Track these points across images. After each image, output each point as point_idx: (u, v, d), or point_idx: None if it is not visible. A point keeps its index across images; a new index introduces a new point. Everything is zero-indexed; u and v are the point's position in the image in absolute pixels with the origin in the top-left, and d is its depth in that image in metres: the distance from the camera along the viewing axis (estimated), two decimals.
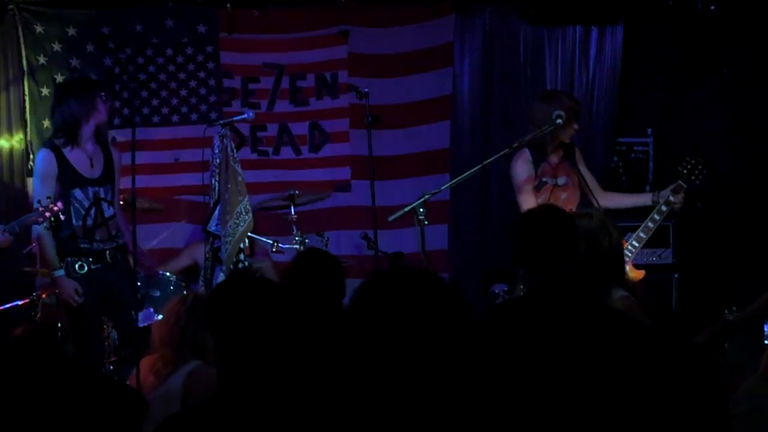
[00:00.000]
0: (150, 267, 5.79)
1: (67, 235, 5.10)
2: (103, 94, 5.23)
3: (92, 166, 5.21)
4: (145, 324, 5.14)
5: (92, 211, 5.15)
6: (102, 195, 5.22)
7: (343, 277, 3.85)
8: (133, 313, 5.12)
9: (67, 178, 5.13)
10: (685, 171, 4.99)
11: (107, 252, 5.18)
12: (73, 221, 5.11)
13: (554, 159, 5.09)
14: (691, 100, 7.11)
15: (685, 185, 4.99)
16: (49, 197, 4.96)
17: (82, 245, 5.13)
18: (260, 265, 6.06)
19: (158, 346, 3.89)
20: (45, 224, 4.96)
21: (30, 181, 6.80)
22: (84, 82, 5.31)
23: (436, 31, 7.18)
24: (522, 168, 5.04)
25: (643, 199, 5.31)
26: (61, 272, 5.12)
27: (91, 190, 5.18)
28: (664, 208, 4.96)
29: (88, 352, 5.05)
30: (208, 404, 2.51)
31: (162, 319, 4.01)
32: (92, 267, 5.11)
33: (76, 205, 5.15)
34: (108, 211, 5.22)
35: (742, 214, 6.82)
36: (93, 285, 5.12)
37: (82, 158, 5.18)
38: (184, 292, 4.08)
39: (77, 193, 5.15)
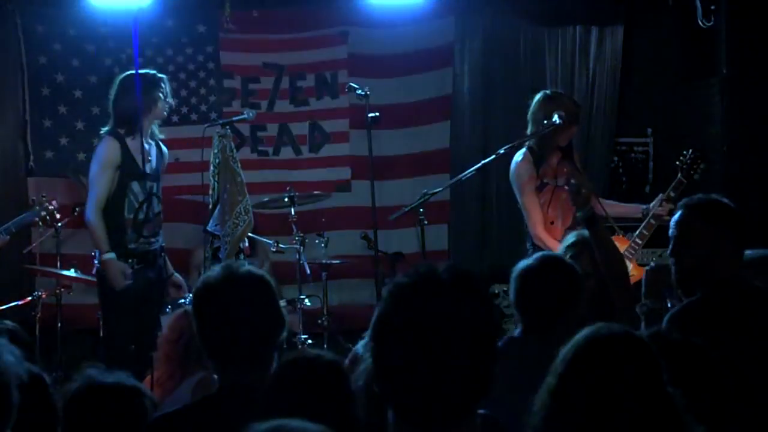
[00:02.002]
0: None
1: (115, 226, 5.06)
2: (164, 89, 5.17)
3: (149, 160, 5.18)
4: None
5: (144, 206, 5.12)
6: (155, 190, 5.20)
7: None
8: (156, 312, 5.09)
9: (127, 169, 5.09)
10: (684, 165, 4.98)
11: (150, 252, 5.14)
12: (125, 213, 5.08)
13: (554, 160, 5.09)
14: (691, 100, 7.10)
15: (685, 181, 4.98)
16: (44, 195, 4.93)
17: (130, 245, 5.09)
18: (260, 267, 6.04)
19: (163, 361, 3.90)
20: (38, 220, 4.92)
21: (31, 181, 6.82)
22: (149, 77, 5.26)
23: (436, 31, 7.18)
24: (523, 168, 5.03)
25: (633, 211, 5.30)
26: (111, 255, 5.04)
27: (147, 184, 5.15)
28: (652, 221, 4.96)
29: (114, 346, 4.98)
30: (199, 405, 2.50)
31: (165, 336, 4.01)
32: (135, 267, 5.05)
33: (131, 197, 5.11)
34: (157, 207, 5.21)
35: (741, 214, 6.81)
36: (135, 283, 5.04)
37: (139, 150, 5.14)
38: (185, 309, 4.05)
39: (135, 185, 5.11)
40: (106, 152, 5.08)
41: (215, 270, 2.58)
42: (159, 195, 5.25)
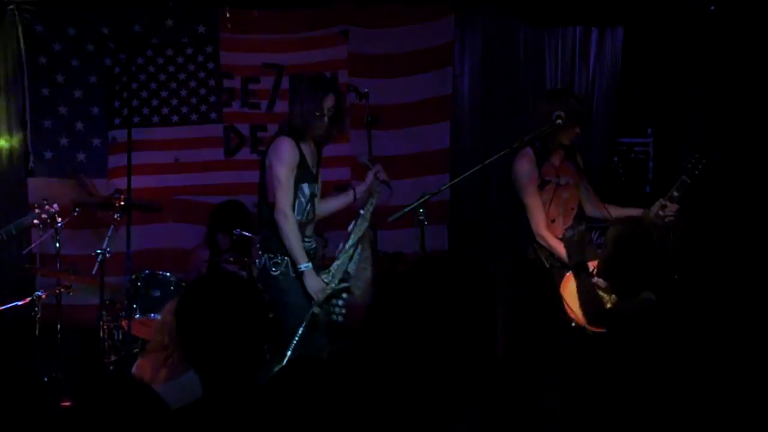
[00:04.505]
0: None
1: None
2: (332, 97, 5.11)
3: (312, 163, 5.18)
4: None
5: (309, 207, 5.12)
6: (316, 192, 5.19)
7: None
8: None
9: (300, 170, 5.06)
10: (689, 165, 4.99)
11: (309, 252, 5.13)
12: (296, 215, 5.07)
13: (556, 159, 5.09)
14: (691, 100, 7.10)
15: (689, 180, 4.98)
16: (45, 199, 4.90)
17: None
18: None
19: (172, 345, 3.91)
20: (38, 222, 4.90)
21: (30, 181, 6.82)
22: (315, 80, 5.27)
23: (436, 31, 7.18)
24: (525, 167, 5.03)
25: (634, 213, 5.27)
26: (309, 265, 4.97)
27: (314, 186, 5.15)
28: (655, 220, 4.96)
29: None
30: (188, 410, 2.48)
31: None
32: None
33: (302, 199, 5.07)
34: (315, 209, 5.20)
35: (742, 214, 6.82)
36: (302, 285, 5.03)
37: (309, 153, 5.13)
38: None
39: (305, 187, 5.08)
40: (288, 152, 5.01)
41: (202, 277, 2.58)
42: (318, 197, 5.22)
